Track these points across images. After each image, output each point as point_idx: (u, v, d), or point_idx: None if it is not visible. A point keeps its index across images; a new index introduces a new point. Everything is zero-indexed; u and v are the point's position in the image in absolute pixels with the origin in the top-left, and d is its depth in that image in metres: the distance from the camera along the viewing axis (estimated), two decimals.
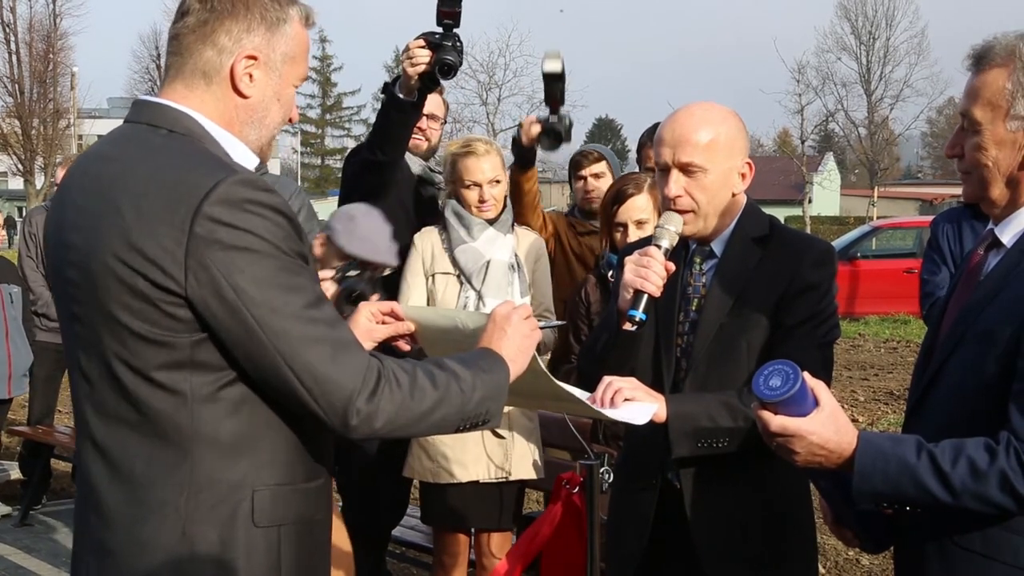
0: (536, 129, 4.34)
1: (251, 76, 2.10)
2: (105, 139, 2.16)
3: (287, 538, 2.04)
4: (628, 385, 2.68)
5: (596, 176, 4.99)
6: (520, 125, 4.48)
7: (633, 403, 2.67)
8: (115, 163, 2.03)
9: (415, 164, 4.54)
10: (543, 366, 2.35)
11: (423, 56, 3.91)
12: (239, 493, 1.99)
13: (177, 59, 2.10)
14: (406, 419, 2.04)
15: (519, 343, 2.28)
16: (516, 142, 4.50)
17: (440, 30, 3.92)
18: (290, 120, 2.23)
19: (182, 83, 2.10)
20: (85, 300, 1.99)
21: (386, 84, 4.12)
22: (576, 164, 5.07)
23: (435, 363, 2.13)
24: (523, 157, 4.55)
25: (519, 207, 4.56)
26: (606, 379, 2.68)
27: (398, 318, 2.55)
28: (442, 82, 4.06)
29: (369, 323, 2.52)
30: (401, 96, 4.00)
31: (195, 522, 1.97)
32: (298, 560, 2.07)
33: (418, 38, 3.94)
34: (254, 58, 2.09)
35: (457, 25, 3.89)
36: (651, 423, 2.66)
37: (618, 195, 4.15)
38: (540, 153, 4.56)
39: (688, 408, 2.74)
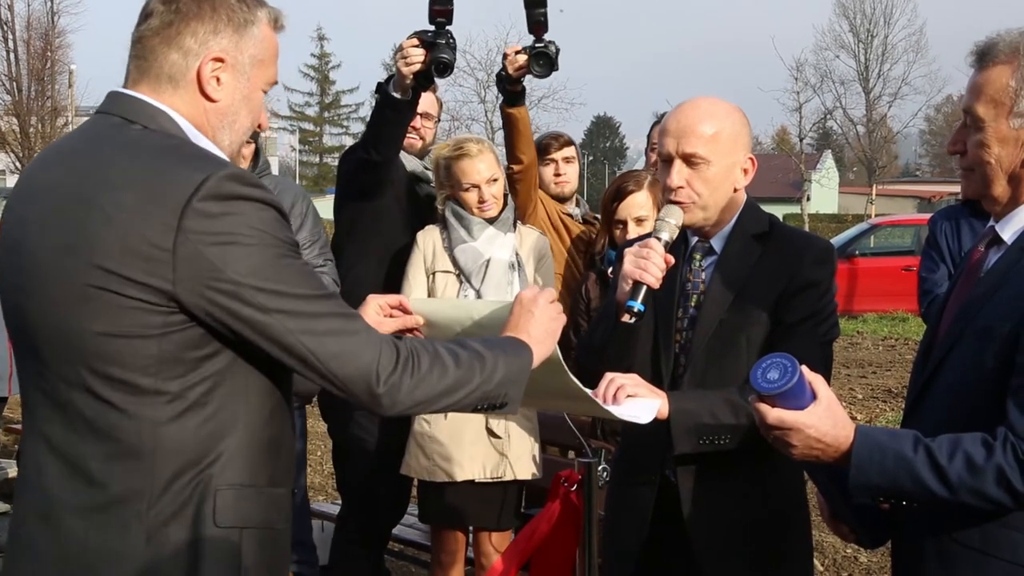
0: (523, 57, 4.17)
1: (218, 79, 2.06)
2: (74, 132, 2.12)
3: (248, 542, 2.00)
4: (630, 382, 2.68)
5: (567, 160, 4.93)
6: (504, 57, 4.31)
7: (636, 400, 2.66)
8: (87, 156, 1.98)
9: (410, 162, 4.53)
10: (561, 358, 2.33)
11: (417, 55, 3.89)
12: (202, 493, 1.95)
13: (141, 63, 2.06)
14: (427, 395, 2.03)
15: (547, 325, 2.28)
16: (501, 78, 4.34)
17: (433, 28, 3.90)
18: (259, 127, 2.20)
19: (147, 86, 2.05)
20: (40, 296, 1.94)
21: (379, 84, 4.11)
22: (545, 148, 4.90)
23: (458, 343, 2.12)
24: (511, 93, 4.37)
25: (516, 144, 4.46)
26: (608, 376, 2.68)
27: (406, 311, 2.54)
28: (436, 80, 4.04)
29: (377, 316, 2.50)
30: (396, 95, 3.99)
31: (160, 526, 1.92)
32: (258, 566, 2.02)
33: (411, 37, 3.93)
34: (221, 60, 2.05)
35: (450, 23, 3.88)
36: (654, 420, 2.66)
37: (618, 192, 4.15)
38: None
39: (690, 405, 2.74)
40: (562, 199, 4.92)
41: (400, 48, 3.96)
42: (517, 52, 4.21)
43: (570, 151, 4.96)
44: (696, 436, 2.73)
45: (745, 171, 2.86)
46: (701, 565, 2.82)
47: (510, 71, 4.24)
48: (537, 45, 4.15)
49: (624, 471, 3.02)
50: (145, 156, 1.94)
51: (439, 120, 4.91)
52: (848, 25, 46.43)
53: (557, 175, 4.92)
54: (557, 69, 4.19)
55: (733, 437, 2.72)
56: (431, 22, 3.89)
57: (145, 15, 2.06)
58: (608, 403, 2.61)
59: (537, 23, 4.12)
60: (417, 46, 3.90)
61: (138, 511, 1.92)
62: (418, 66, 3.90)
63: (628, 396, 2.65)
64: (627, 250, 2.78)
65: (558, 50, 4.17)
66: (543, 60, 4.15)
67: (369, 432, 4.33)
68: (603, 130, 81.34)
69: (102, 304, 1.88)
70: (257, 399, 2.02)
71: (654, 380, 2.81)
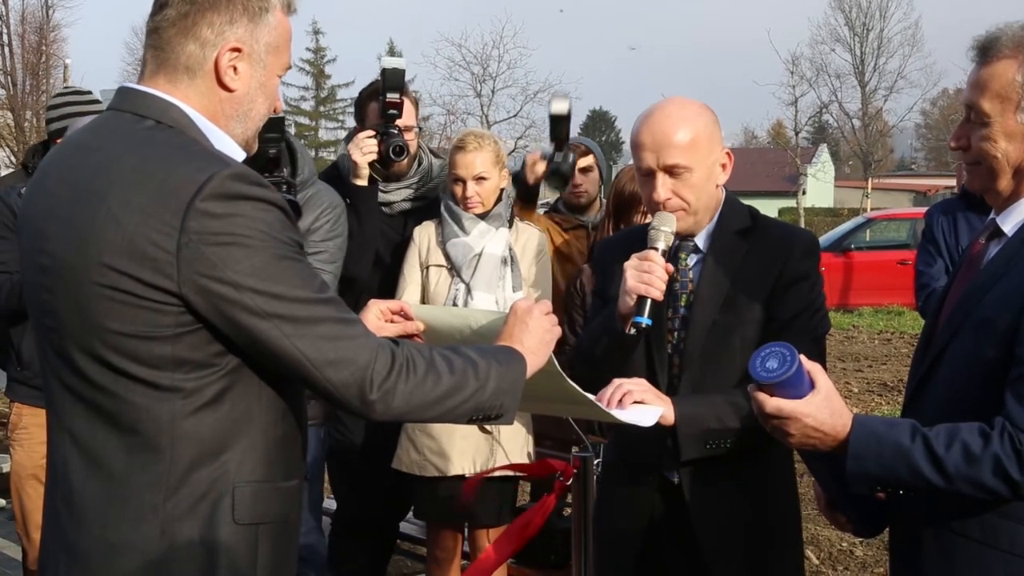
0: (542, 167, 4.48)
1: (236, 69, 2.06)
2: (87, 127, 2.11)
3: (265, 537, 2.02)
4: (637, 387, 2.67)
5: (584, 171, 4.90)
6: (524, 162, 4.60)
7: (641, 405, 2.65)
8: (98, 153, 1.99)
9: (402, 195, 4.49)
10: (558, 365, 2.32)
11: (372, 145, 4.21)
12: (220, 489, 1.96)
13: (158, 53, 2.06)
14: (421, 402, 2.02)
15: (540, 336, 2.27)
16: (519, 180, 4.58)
17: (384, 120, 4.21)
18: (275, 111, 2.19)
19: (164, 78, 2.05)
20: (60, 292, 1.95)
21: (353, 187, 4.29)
22: None
23: (452, 350, 2.11)
24: (527, 195, 4.64)
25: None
26: (615, 381, 2.67)
27: (407, 317, 2.52)
28: (394, 158, 4.23)
29: (378, 321, 2.49)
30: (357, 182, 4.24)
31: (175, 520, 1.94)
32: (273, 560, 2.05)
33: (367, 129, 4.24)
34: (238, 50, 2.05)
35: (400, 115, 4.20)
36: (658, 426, 2.65)
37: None
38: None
39: (696, 410, 2.73)
40: (579, 208, 4.93)
41: (356, 140, 4.26)
42: (535, 162, 4.54)
43: (588, 160, 4.93)
44: (702, 441, 2.73)
45: (723, 166, 2.86)
46: (706, 562, 2.82)
47: (529, 179, 4.58)
48: (556, 156, 4.46)
49: (620, 471, 3.00)
50: (153, 155, 1.94)
51: (421, 128, 4.91)
52: (844, 19, 46.52)
53: (575, 186, 4.91)
54: (572, 179, 4.63)
55: (737, 439, 2.72)
56: (382, 115, 4.21)
57: (160, 5, 2.06)
58: (612, 408, 2.60)
59: (559, 137, 4.45)
60: (372, 137, 4.22)
61: (154, 504, 1.93)
62: (373, 155, 4.22)
63: (635, 402, 2.64)
64: (627, 264, 2.75)
65: (574, 161, 4.57)
66: (559, 176, 4.52)
67: (367, 427, 4.31)
68: (599, 124, 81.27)
69: (116, 304, 1.89)
70: (271, 396, 2.03)
71: (649, 382, 2.78)
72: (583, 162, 4.92)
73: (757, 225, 2.89)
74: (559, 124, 4.45)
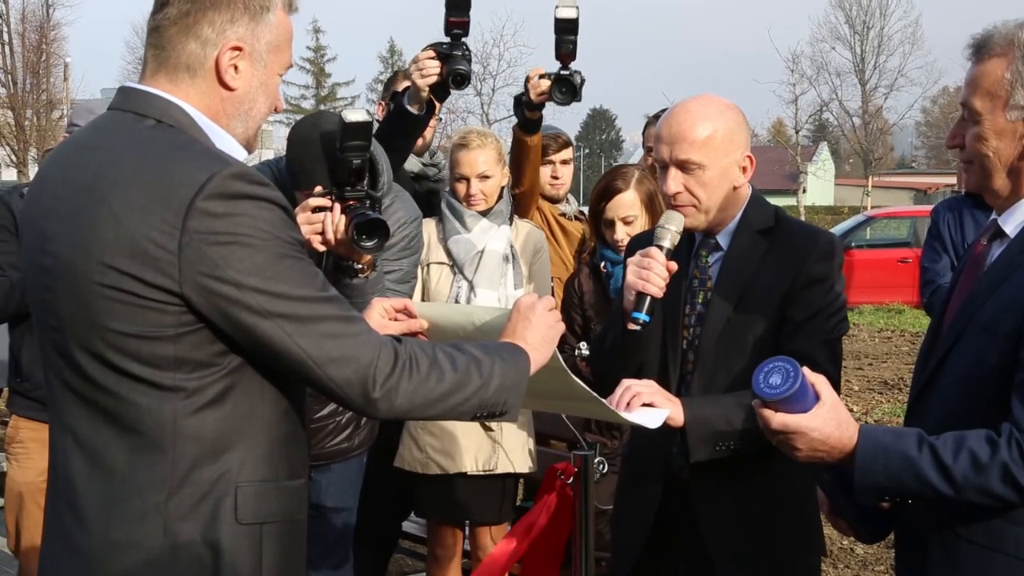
0: (546, 83, 4.08)
1: (236, 68, 2.05)
2: (88, 127, 2.11)
3: (269, 536, 2.02)
4: (646, 389, 2.66)
5: (564, 162, 4.86)
6: (527, 80, 4.18)
7: (649, 407, 2.64)
8: (99, 152, 1.98)
9: (413, 163, 4.47)
10: (562, 362, 2.31)
11: (433, 67, 3.83)
12: (222, 489, 1.96)
13: (159, 52, 2.06)
14: (424, 399, 2.02)
15: (544, 333, 2.26)
16: (521, 101, 4.23)
17: (448, 40, 3.84)
18: (276, 109, 2.19)
19: (166, 77, 2.05)
20: (62, 292, 1.95)
21: (395, 94, 4.05)
22: (543, 148, 4.64)
23: (455, 346, 2.11)
24: (529, 120, 4.28)
25: (522, 169, 4.40)
26: (625, 382, 2.66)
27: (411, 315, 2.52)
28: (453, 91, 3.96)
29: (382, 319, 2.48)
30: (412, 110, 3.92)
31: (177, 520, 1.93)
32: (279, 560, 2.04)
33: (427, 49, 3.88)
34: (239, 49, 2.05)
35: (466, 35, 3.82)
36: (668, 427, 2.65)
37: (606, 191, 4.05)
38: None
39: (705, 412, 2.72)
40: (556, 200, 4.90)
41: (416, 60, 3.90)
42: (541, 76, 4.12)
43: (567, 153, 4.88)
44: (712, 443, 2.71)
45: (744, 169, 2.83)
46: (713, 561, 2.81)
47: (532, 96, 4.14)
48: (562, 72, 4.07)
49: (632, 469, 3.01)
50: (154, 154, 1.94)
51: (440, 118, 4.85)
52: (844, 17, 46.62)
53: (554, 178, 4.85)
54: (579, 99, 4.10)
55: (748, 441, 2.70)
56: (447, 34, 3.82)
57: (161, 3, 2.05)
58: (620, 409, 2.60)
59: (566, 51, 4.04)
60: (433, 58, 3.83)
61: (156, 504, 1.93)
62: (434, 78, 3.83)
63: (643, 405, 2.63)
64: (629, 260, 2.76)
65: (583, 80, 4.08)
66: (566, 87, 4.05)
67: None
68: (599, 123, 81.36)
69: (118, 303, 1.89)
70: (273, 395, 2.03)
71: (662, 377, 2.80)
72: (563, 154, 4.87)
73: (780, 225, 2.89)
74: (566, 34, 3.97)
